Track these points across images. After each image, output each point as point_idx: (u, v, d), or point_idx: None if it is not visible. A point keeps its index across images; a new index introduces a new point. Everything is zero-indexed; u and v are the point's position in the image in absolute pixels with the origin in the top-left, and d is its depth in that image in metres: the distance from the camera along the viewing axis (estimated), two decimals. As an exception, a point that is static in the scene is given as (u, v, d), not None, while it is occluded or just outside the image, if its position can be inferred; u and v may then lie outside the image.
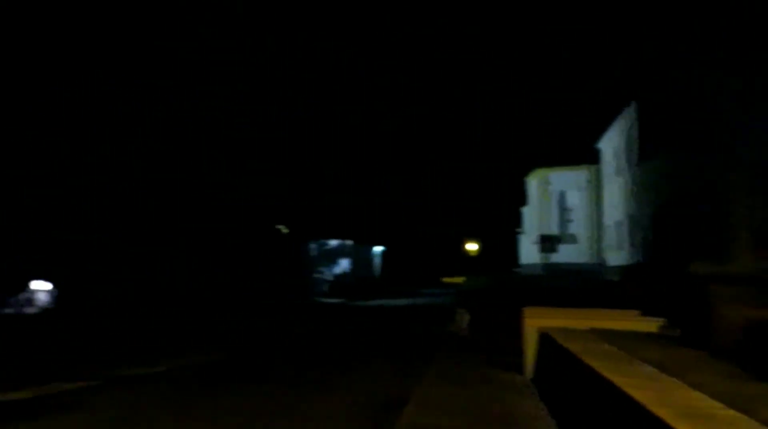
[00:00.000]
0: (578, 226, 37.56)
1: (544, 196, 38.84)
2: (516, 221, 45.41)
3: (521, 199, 43.34)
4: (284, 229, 42.21)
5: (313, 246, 43.95)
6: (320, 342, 15.05)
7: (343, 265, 44.59)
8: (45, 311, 24.23)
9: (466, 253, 55.61)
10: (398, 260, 56.11)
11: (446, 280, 60.94)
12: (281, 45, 40.57)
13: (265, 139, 33.52)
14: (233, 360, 11.43)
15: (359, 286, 41.28)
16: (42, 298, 25.32)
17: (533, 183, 40.58)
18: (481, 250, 54.94)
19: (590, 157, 35.74)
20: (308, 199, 46.33)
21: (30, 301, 24.97)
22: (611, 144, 31.49)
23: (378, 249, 52.27)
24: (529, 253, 40.47)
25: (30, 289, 25.15)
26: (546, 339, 7.86)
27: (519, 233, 44.55)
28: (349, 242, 45.77)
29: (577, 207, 37.76)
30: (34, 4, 23.46)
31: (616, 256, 29.52)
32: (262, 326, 19.35)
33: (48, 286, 25.56)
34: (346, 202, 53.53)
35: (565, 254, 35.16)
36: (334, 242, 45.08)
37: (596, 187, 35.92)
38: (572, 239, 37.11)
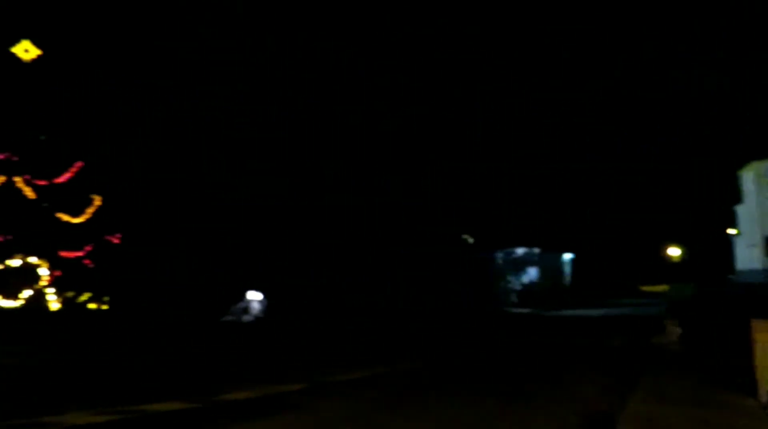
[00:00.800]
0: (810, 225, 32.41)
1: (764, 192, 34.14)
2: (727, 221, 40.49)
3: (734, 196, 38.59)
4: (469, 239, 42.25)
5: (499, 255, 43.34)
6: (515, 353, 14.73)
7: (531, 273, 43.28)
8: (258, 319, 26.95)
9: (667, 258, 50.98)
10: (590, 268, 53.08)
11: (646, 288, 56.41)
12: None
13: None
14: (432, 368, 11.65)
15: (549, 296, 39.79)
16: (256, 307, 28.19)
17: (749, 177, 36.00)
18: (685, 255, 49.96)
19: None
20: (492, 207, 45.73)
21: (246, 310, 27.95)
22: None
23: (567, 256, 49.95)
24: (747, 257, 35.90)
25: (246, 299, 28.17)
26: (784, 357, 6.81)
27: (732, 235, 39.63)
28: (536, 250, 44.34)
29: (808, 202, 32.62)
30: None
31: None
32: (454, 336, 19.51)
33: (260, 296, 28.41)
34: (531, 209, 52.05)
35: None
36: (520, 250, 43.97)
37: (833, 178, 30.71)
38: (803, 240, 32.11)
